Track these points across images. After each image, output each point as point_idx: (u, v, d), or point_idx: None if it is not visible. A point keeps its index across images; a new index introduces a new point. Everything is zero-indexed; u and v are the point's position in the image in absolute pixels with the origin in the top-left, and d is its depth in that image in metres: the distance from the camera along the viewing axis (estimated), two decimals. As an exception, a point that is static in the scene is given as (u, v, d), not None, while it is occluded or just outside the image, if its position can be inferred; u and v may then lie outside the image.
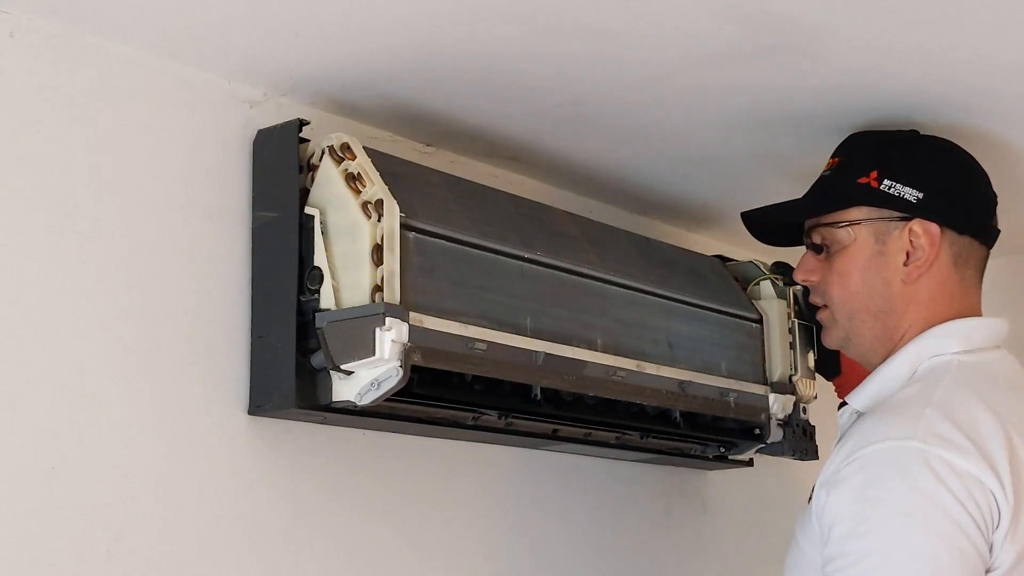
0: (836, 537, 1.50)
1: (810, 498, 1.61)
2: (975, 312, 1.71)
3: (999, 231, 1.77)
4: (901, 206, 1.70)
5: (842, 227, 1.73)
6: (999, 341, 1.70)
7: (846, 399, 1.73)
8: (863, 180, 1.73)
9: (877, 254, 1.71)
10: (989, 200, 1.77)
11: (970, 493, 1.46)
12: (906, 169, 1.72)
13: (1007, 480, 1.48)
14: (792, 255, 2.15)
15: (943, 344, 1.65)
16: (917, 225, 1.69)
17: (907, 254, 1.69)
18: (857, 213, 1.73)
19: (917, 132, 1.80)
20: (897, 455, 1.49)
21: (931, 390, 1.57)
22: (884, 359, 1.69)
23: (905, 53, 1.66)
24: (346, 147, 1.62)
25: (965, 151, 1.79)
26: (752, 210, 1.90)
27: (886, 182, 1.71)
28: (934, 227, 1.69)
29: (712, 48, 1.63)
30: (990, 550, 1.47)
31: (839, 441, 1.65)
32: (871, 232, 1.72)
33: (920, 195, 1.70)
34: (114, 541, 1.50)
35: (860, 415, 1.67)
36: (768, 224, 1.89)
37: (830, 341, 1.79)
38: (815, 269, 1.77)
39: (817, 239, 1.77)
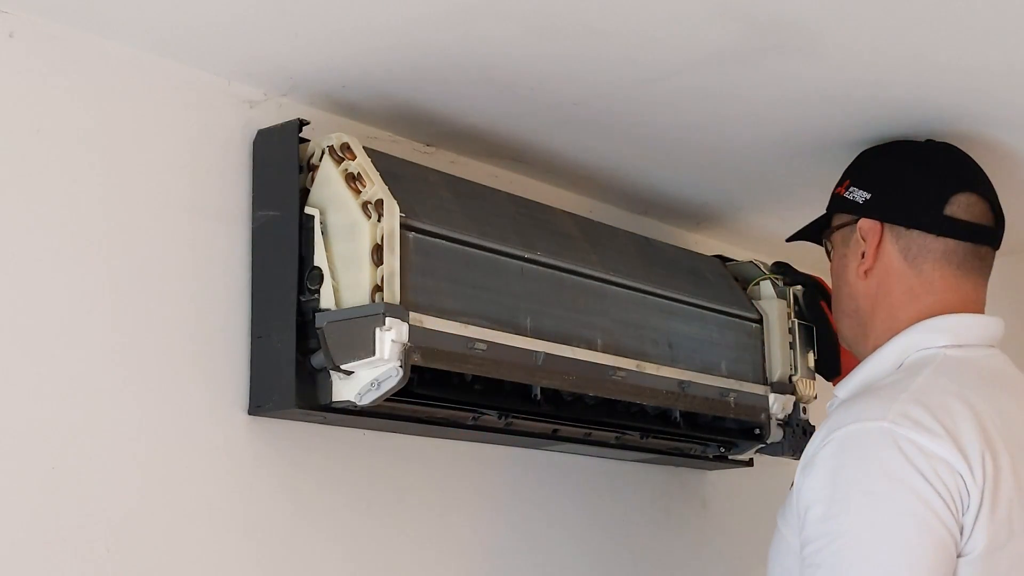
0: (811, 520, 1.53)
1: (792, 484, 1.62)
2: (960, 307, 1.70)
3: (974, 224, 1.71)
4: (851, 208, 1.76)
5: (825, 237, 1.83)
6: (993, 340, 1.70)
7: (835, 390, 1.75)
8: (838, 190, 1.81)
9: (842, 257, 1.78)
10: (937, 192, 1.72)
11: (938, 474, 1.48)
12: (865, 173, 1.79)
13: (977, 467, 1.50)
14: (793, 256, 2.15)
15: (931, 338, 1.67)
16: (864, 224, 1.75)
17: (862, 254, 1.74)
18: (833, 221, 1.82)
19: (931, 141, 1.82)
20: (867, 436, 1.52)
21: (911, 378, 1.60)
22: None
23: (905, 55, 1.66)
24: (346, 147, 1.62)
25: (939, 149, 1.79)
26: (794, 234, 1.95)
27: (850, 189, 1.78)
28: (875, 224, 1.73)
29: (713, 48, 1.63)
30: (960, 532, 1.49)
31: None
32: (840, 238, 1.79)
33: (868, 196, 1.75)
34: (114, 541, 1.50)
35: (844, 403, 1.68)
36: (807, 239, 1.94)
37: (842, 343, 1.86)
38: None
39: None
